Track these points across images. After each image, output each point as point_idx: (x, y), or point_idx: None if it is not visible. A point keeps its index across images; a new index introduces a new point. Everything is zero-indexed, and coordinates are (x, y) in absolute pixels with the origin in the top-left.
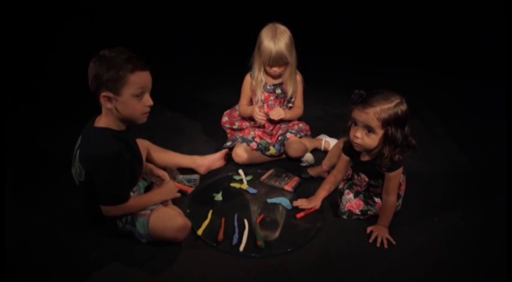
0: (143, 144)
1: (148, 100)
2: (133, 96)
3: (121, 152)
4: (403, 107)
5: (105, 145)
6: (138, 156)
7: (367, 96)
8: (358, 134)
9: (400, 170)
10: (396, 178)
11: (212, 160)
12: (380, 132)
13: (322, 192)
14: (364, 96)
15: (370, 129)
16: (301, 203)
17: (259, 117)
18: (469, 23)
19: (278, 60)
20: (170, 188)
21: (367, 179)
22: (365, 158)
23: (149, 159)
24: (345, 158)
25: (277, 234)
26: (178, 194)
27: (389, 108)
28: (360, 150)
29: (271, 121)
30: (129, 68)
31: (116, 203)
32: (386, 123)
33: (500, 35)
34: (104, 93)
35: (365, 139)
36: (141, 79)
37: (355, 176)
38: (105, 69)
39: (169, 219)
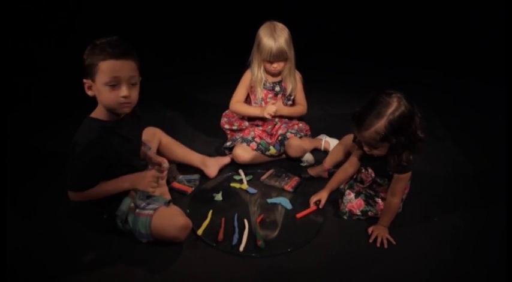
0: (155, 134)
1: (122, 91)
2: (105, 85)
3: (94, 144)
4: (400, 113)
5: (83, 133)
6: (134, 148)
7: (361, 111)
8: (366, 149)
9: (410, 173)
10: (404, 180)
11: (222, 164)
12: (384, 144)
13: (332, 184)
14: (357, 114)
15: (373, 147)
16: (311, 199)
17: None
18: (469, 23)
19: (279, 55)
20: (144, 176)
21: (373, 175)
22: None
23: (160, 150)
24: (358, 151)
25: (277, 234)
26: (152, 188)
27: (383, 126)
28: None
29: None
30: (101, 57)
31: (74, 190)
32: (385, 138)
33: (500, 35)
34: (84, 79)
35: (373, 151)
36: (112, 68)
37: (362, 170)
38: (86, 55)
39: (171, 219)
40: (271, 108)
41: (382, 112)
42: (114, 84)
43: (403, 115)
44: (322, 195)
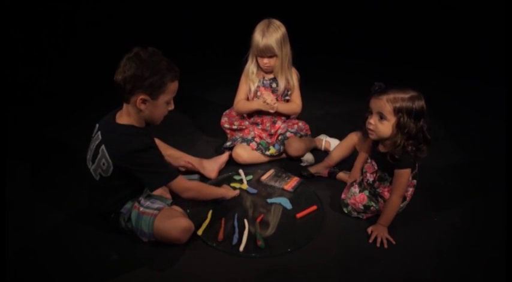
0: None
1: (172, 105)
2: (165, 102)
3: (150, 141)
4: (419, 101)
5: (135, 140)
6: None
7: (386, 87)
8: (372, 121)
9: (409, 170)
10: (403, 177)
11: (222, 163)
12: (392, 119)
13: (358, 165)
14: (383, 88)
15: (382, 116)
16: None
17: (270, 100)
18: (469, 23)
19: (266, 51)
20: (229, 191)
21: (376, 167)
22: (382, 149)
23: None
24: (367, 143)
25: (277, 234)
26: (234, 193)
27: (403, 98)
28: (374, 139)
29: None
30: (170, 77)
31: (170, 180)
32: (398, 110)
33: (500, 35)
34: (142, 96)
35: (378, 125)
36: (175, 88)
37: (368, 161)
38: (149, 74)
39: (174, 221)
40: (269, 95)
41: (408, 90)
42: (170, 101)
43: (422, 105)
44: (356, 177)
